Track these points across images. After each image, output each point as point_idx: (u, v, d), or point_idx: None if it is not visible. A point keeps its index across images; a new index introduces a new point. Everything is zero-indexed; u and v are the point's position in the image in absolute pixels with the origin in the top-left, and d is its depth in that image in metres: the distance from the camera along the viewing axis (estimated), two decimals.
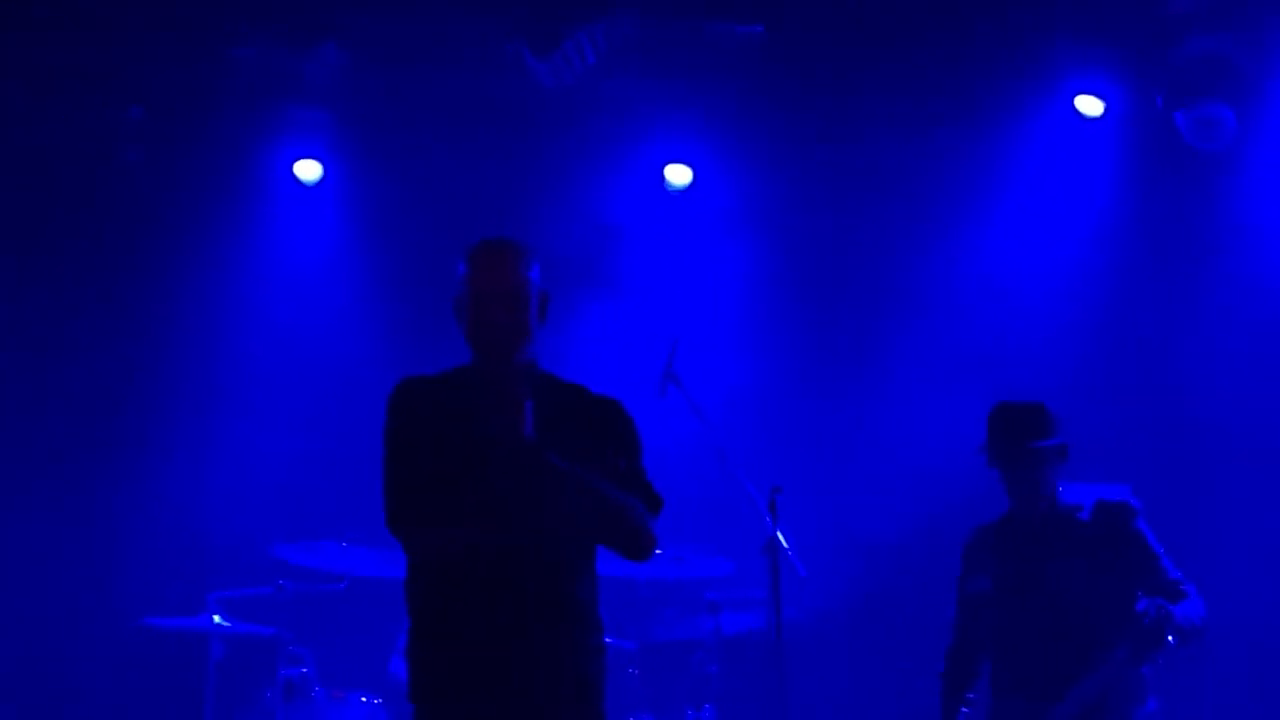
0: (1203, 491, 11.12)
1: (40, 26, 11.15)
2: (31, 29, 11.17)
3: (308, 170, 12.27)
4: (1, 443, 11.85)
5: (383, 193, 12.36)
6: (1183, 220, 11.73)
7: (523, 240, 6.58)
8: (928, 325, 11.93)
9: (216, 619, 10.38)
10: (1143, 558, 7.96)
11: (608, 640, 6.46)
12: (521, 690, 6.18)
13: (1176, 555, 8.04)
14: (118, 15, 11.13)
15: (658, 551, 6.78)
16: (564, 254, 11.30)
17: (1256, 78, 10.94)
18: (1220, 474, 11.35)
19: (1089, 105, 11.46)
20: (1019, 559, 8.09)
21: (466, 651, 6.21)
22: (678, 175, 12.27)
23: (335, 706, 10.20)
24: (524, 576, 6.22)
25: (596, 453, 6.30)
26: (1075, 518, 8.06)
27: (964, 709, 8.19)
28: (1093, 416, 8.80)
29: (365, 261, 12.44)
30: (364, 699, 10.20)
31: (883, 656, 11.42)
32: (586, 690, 6.28)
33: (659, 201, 12.35)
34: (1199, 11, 10.65)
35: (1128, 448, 10.49)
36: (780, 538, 8.96)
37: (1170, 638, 7.56)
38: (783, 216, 12.28)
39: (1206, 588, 7.94)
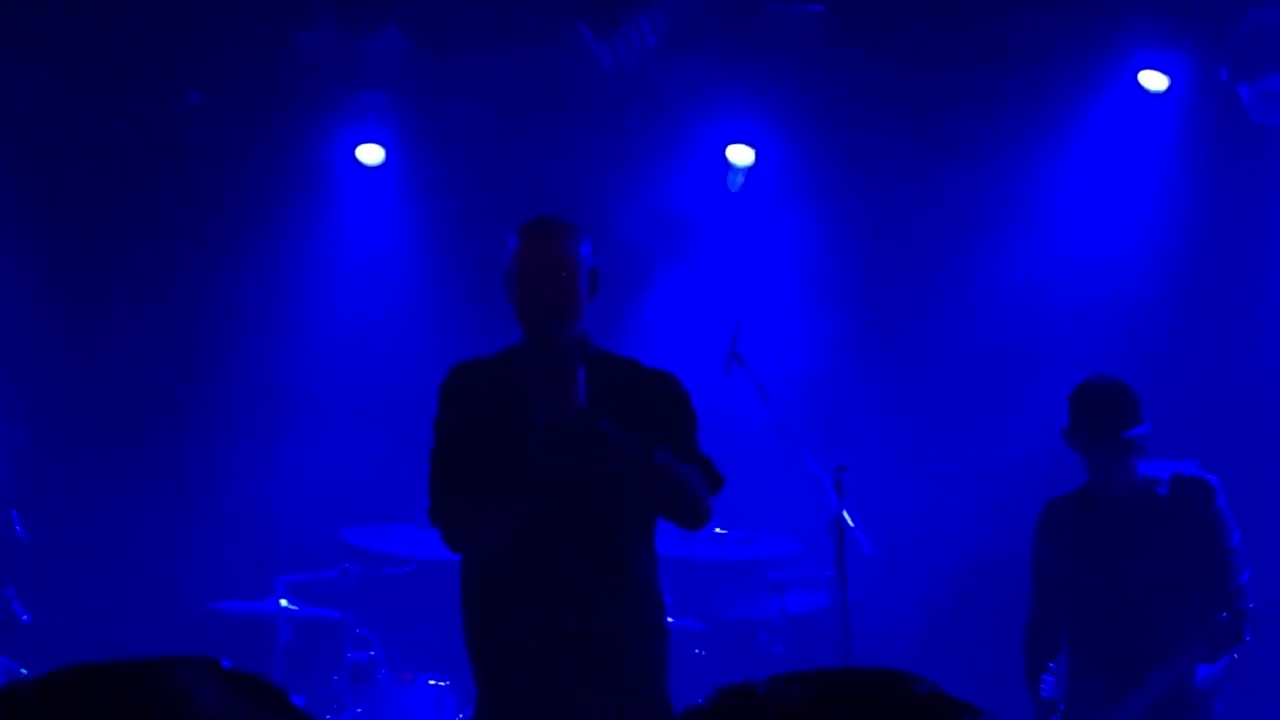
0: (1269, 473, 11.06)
1: (100, 10, 11.18)
2: (91, 14, 11.20)
3: (370, 154, 12.28)
4: (75, 433, 11.90)
5: (445, 176, 12.38)
6: (1249, 195, 11.70)
7: (576, 219, 6.64)
8: (994, 303, 11.89)
9: (283, 603, 10.46)
10: (1215, 549, 7.95)
11: (672, 621, 6.49)
12: (583, 674, 6.19)
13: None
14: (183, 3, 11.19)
15: (719, 530, 6.82)
16: (628, 236, 11.34)
17: None
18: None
19: (1153, 80, 11.42)
20: (1096, 537, 8.12)
21: (523, 640, 6.23)
22: (740, 155, 12.25)
23: (402, 689, 10.23)
24: (577, 558, 6.23)
25: (651, 424, 6.32)
26: (1154, 493, 8.06)
27: (1048, 677, 8.19)
28: (1162, 395, 8.74)
29: (427, 245, 12.46)
30: (432, 682, 10.22)
31: (951, 636, 11.40)
32: (649, 671, 6.29)
33: (721, 182, 12.32)
34: None
35: (1197, 427, 10.41)
36: (846, 516, 8.96)
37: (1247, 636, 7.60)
38: (846, 195, 12.24)
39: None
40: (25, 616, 10.57)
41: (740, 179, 12.26)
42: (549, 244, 6.44)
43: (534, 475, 6.23)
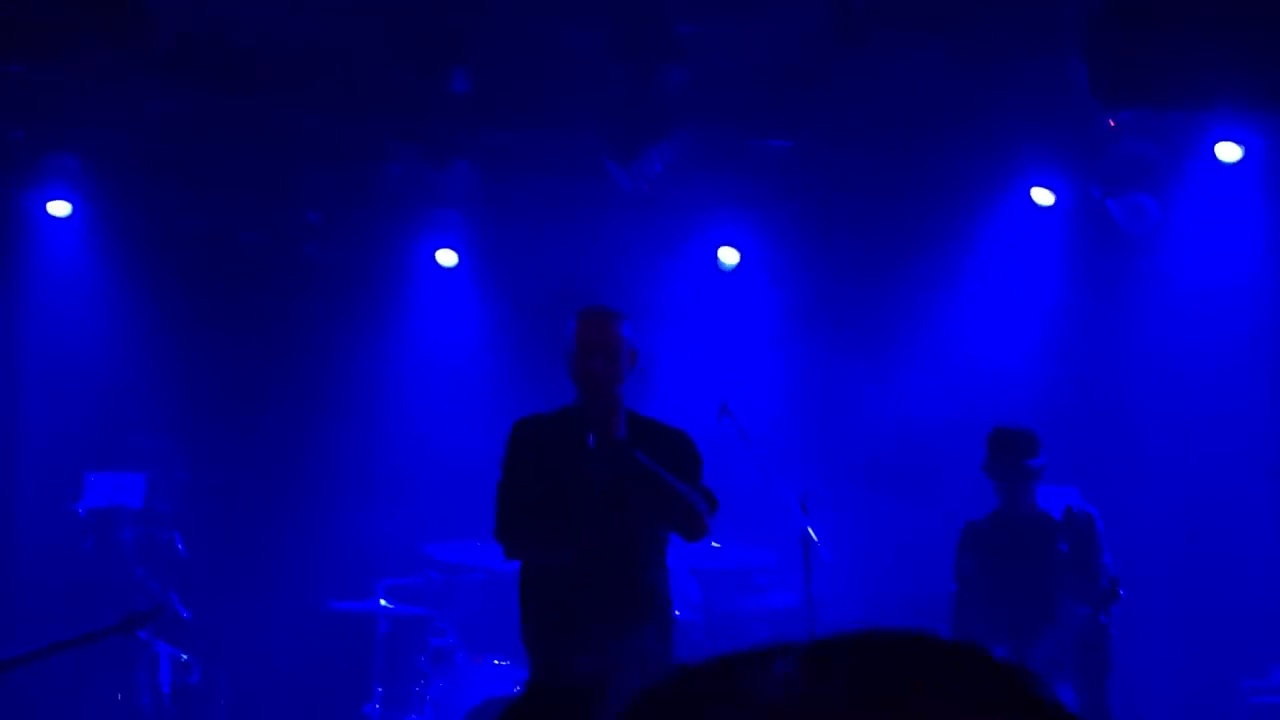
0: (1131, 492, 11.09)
1: (241, 146, 11.27)
2: (235, 149, 11.30)
3: (447, 258, 12.34)
4: (222, 475, 11.92)
5: (504, 273, 12.43)
6: (1116, 284, 11.76)
7: (618, 307, 6.72)
8: (923, 362, 11.96)
9: (383, 602, 10.51)
10: (1093, 563, 8.00)
11: (678, 614, 6.54)
12: (612, 659, 6.25)
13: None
14: (301, 140, 11.26)
15: (715, 545, 6.89)
16: (643, 317, 11.41)
17: (1172, 173, 10.92)
18: (1144, 480, 11.37)
19: (1042, 196, 11.44)
20: (1007, 549, 8.17)
21: (568, 628, 6.29)
22: (728, 256, 12.32)
23: (473, 668, 10.27)
24: (612, 572, 6.30)
25: (668, 464, 6.41)
26: (1051, 518, 8.13)
27: None
28: (1052, 439, 8.79)
29: (492, 327, 12.52)
30: (496, 661, 10.27)
31: (891, 616, 11.40)
32: (664, 656, 6.35)
33: (714, 275, 12.39)
34: (1128, 121, 10.63)
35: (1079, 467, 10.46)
36: (811, 532, 9.00)
37: (1121, 597, 7.63)
38: (807, 286, 12.30)
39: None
40: (186, 614, 10.64)
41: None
42: (600, 325, 6.51)
43: (585, 487, 6.32)
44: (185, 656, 10.48)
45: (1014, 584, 8.13)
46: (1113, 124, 10.47)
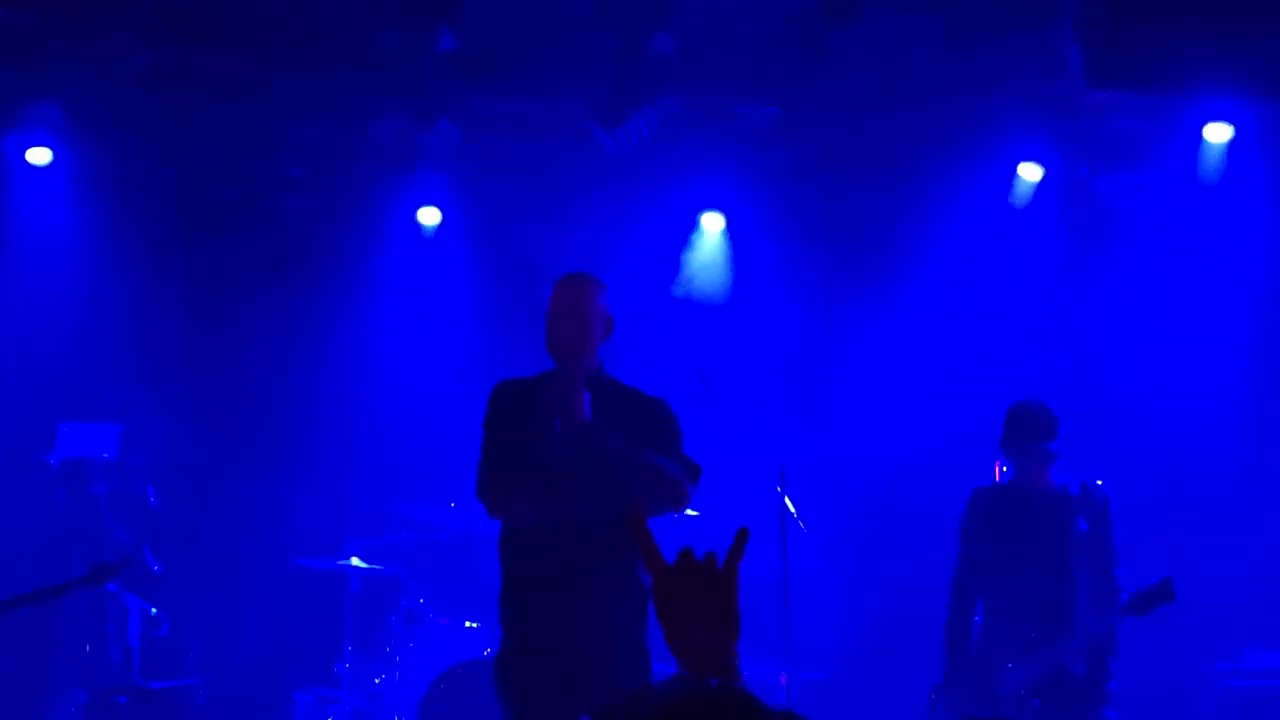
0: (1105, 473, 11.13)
1: (226, 102, 11.22)
2: (220, 104, 11.24)
3: (429, 217, 12.30)
4: (197, 427, 11.92)
5: (488, 234, 12.40)
6: (1103, 261, 11.76)
7: (583, 268, 6.70)
8: (904, 342, 11.97)
9: (355, 560, 10.52)
10: (1106, 542, 7.97)
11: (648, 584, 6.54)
12: (584, 623, 6.27)
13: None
14: (286, 96, 11.20)
15: (691, 513, 6.89)
16: (624, 281, 11.39)
17: (1161, 152, 10.92)
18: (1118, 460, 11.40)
19: (1030, 171, 11.44)
20: (1020, 522, 8.02)
21: (541, 592, 6.31)
22: (712, 221, 12.30)
23: (444, 629, 10.29)
24: (584, 536, 6.31)
25: (647, 433, 6.42)
26: (1068, 492, 8.03)
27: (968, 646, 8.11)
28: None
29: (476, 286, 12.46)
30: (467, 624, 10.28)
31: (865, 588, 11.49)
32: (634, 622, 6.37)
33: (695, 241, 12.37)
34: (1116, 100, 10.63)
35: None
36: (788, 503, 9.03)
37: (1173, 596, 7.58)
38: (792, 245, 12.25)
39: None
40: (157, 567, 10.64)
41: (712, 247, 12.32)
42: (574, 292, 6.51)
43: (555, 466, 6.32)
44: (155, 610, 10.47)
45: (1028, 559, 7.98)
46: (1101, 102, 10.47)
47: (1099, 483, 8.12)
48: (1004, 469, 8.33)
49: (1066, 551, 7.93)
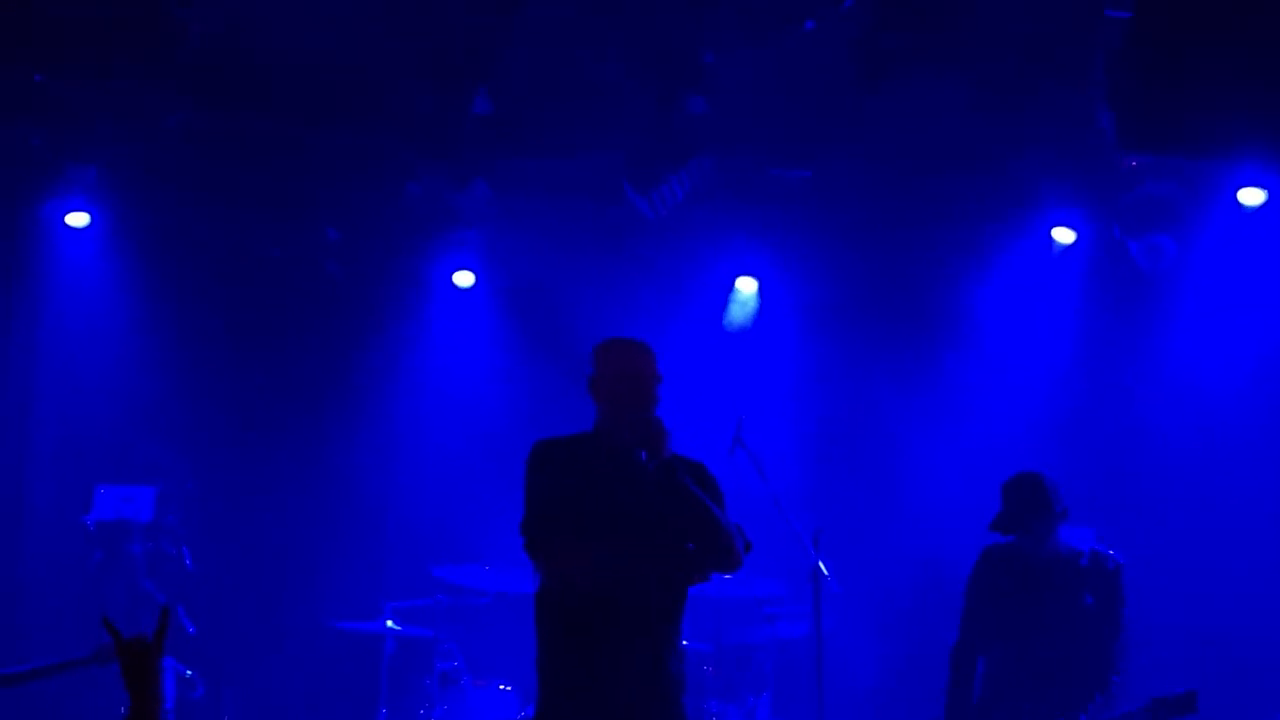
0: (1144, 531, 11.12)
1: (263, 163, 11.30)
2: (256, 165, 11.32)
3: (464, 279, 12.37)
4: (232, 489, 11.93)
5: (521, 293, 12.44)
6: (1135, 324, 11.77)
7: (618, 331, 6.75)
8: (936, 406, 11.98)
9: (390, 623, 10.53)
10: (1113, 616, 7.91)
11: (687, 643, 6.53)
12: (627, 684, 6.24)
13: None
14: (323, 158, 11.29)
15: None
16: (655, 344, 11.42)
17: (1190, 215, 10.94)
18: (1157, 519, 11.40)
19: (1063, 235, 11.47)
20: (1028, 587, 7.89)
21: (585, 652, 6.27)
22: (746, 285, 12.34)
23: (478, 692, 10.29)
24: (632, 594, 6.29)
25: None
26: (1078, 563, 7.95)
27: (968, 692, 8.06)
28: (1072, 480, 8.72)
29: (507, 347, 12.49)
30: (501, 686, 10.28)
31: (897, 658, 11.46)
32: (673, 684, 6.35)
33: (729, 304, 12.41)
34: (1148, 164, 10.67)
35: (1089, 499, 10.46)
36: (821, 566, 9.04)
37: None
38: (826, 313, 12.28)
39: None
40: (191, 629, 10.67)
41: (744, 311, 12.36)
42: (646, 358, 6.56)
43: (618, 510, 6.31)
44: (189, 672, 10.49)
45: (1029, 626, 7.91)
46: (1134, 164, 10.50)
47: (1111, 552, 8.05)
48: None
49: (1068, 623, 7.87)
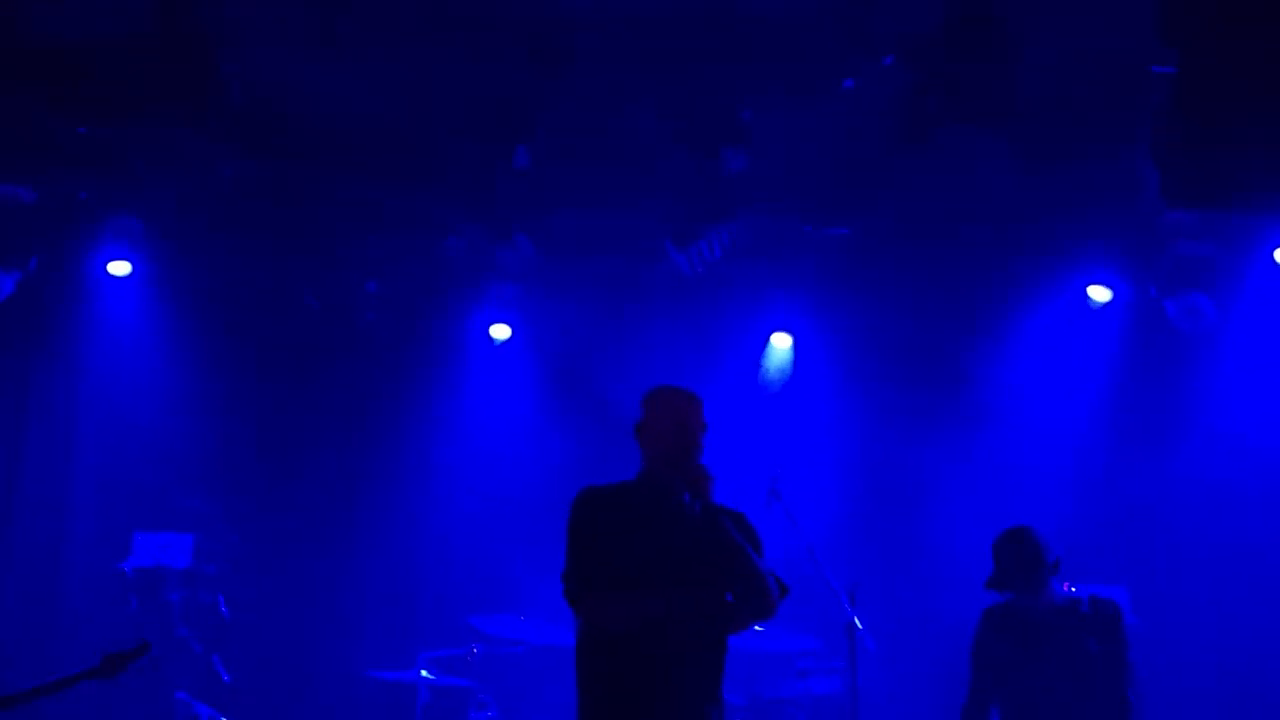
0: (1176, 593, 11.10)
1: (302, 214, 11.40)
2: (298, 217, 11.42)
3: (500, 332, 12.44)
4: (269, 539, 11.99)
5: (558, 349, 12.50)
6: (1171, 383, 11.78)
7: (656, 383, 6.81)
8: (971, 463, 11.98)
9: (424, 673, 10.54)
10: (1120, 660, 7.90)
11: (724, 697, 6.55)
12: None
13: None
14: (363, 210, 11.38)
15: (758, 628, 6.88)
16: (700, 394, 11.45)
17: (1230, 275, 10.96)
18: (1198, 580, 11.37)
19: (1099, 293, 11.49)
20: (1031, 641, 7.86)
21: (628, 702, 6.28)
22: (782, 340, 12.38)
23: None
24: (675, 642, 6.31)
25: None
26: (1079, 610, 7.97)
27: None
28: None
29: (544, 400, 12.55)
30: None
31: (932, 706, 11.42)
32: None
33: (765, 360, 12.44)
34: (1186, 222, 10.70)
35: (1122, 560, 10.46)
36: (857, 621, 9.04)
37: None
38: (861, 370, 12.30)
39: None
40: (226, 677, 10.71)
41: (780, 366, 12.38)
42: (698, 407, 6.63)
43: (664, 556, 6.35)
44: (225, 719, 10.54)
45: (1038, 679, 7.90)
46: (1176, 219, 10.53)
47: (1106, 597, 8.04)
48: (1072, 589, 8.28)
49: (1076, 671, 7.87)
